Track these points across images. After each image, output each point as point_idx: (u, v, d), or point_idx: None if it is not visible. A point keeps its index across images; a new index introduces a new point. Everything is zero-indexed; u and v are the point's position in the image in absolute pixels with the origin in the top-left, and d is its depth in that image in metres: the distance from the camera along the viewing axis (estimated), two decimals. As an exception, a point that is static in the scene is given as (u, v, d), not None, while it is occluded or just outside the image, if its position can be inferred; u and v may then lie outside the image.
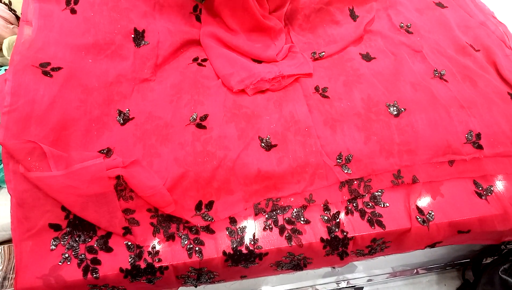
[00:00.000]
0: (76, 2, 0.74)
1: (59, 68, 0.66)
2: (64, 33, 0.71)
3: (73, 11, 0.73)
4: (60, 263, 0.59)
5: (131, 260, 0.60)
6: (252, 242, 0.63)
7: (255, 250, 0.62)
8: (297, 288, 0.99)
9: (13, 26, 0.93)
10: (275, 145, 0.69)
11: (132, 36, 0.78)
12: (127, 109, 0.72)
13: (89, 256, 0.60)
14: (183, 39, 0.84)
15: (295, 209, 0.66)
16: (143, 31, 0.79)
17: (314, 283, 0.98)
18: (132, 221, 0.62)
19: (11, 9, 0.94)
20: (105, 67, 0.73)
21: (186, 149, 0.66)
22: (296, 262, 0.67)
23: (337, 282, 0.99)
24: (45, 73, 0.64)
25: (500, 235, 0.71)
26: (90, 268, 0.59)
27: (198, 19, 0.88)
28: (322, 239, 0.63)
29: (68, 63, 0.68)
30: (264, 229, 0.64)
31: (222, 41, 0.84)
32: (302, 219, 0.65)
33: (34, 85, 0.62)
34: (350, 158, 0.68)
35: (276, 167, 0.66)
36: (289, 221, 0.65)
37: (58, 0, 0.74)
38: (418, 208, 0.66)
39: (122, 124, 0.70)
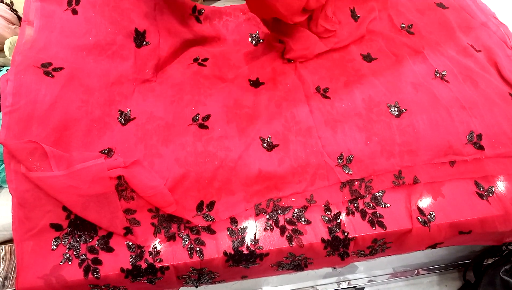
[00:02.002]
0: (77, 3, 0.74)
1: (60, 69, 0.66)
2: (66, 33, 0.71)
3: (74, 12, 0.74)
4: (61, 263, 0.59)
5: (132, 260, 0.60)
6: (253, 243, 0.63)
7: (256, 250, 0.62)
8: (298, 289, 0.99)
9: (14, 26, 0.93)
10: (277, 145, 0.69)
11: (133, 36, 0.78)
12: (128, 110, 0.72)
13: (90, 256, 0.60)
14: (183, 39, 0.84)
15: (296, 210, 0.66)
16: (144, 31, 0.79)
17: (315, 283, 0.98)
18: (133, 221, 0.62)
19: (12, 10, 0.94)
20: (106, 68, 0.73)
21: (187, 150, 0.66)
22: (297, 263, 0.67)
23: (338, 283, 0.99)
24: (47, 74, 0.65)
25: (502, 236, 0.71)
26: (91, 268, 0.59)
27: (198, 20, 0.88)
28: (323, 240, 0.63)
29: (69, 63, 0.68)
30: (265, 229, 0.64)
31: None
32: (303, 219, 0.65)
33: (35, 85, 0.62)
34: (351, 158, 0.68)
35: (277, 167, 0.66)
36: (290, 222, 0.65)
37: (60, 0, 0.74)
38: (419, 208, 0.66)
39: (124, 124, 0.71)
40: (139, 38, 0.79)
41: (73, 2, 0.74)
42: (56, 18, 0.72)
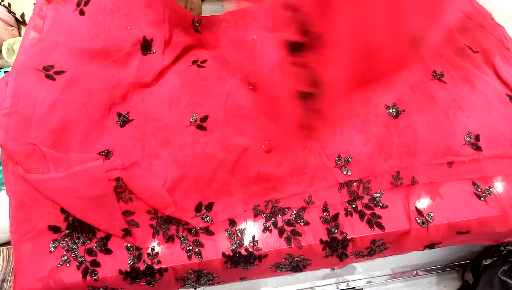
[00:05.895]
0: (86, 4, 0.75)
1: (62, 72, 0.66)
2: (73, 35, 0.71)
3: (82, 13, 0.74)
4: (59, 265, 0.59)
5: (130, 262, 0.60)
6: (252, 244, 0.63)
7: (255, 251, 0.62)
8: (296, 290, 0.99)
9: (12, 28, 0.93)
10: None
11: (141, 44, 0.78)
12: (126, 112, 0.72)
13: (89, 258, 0.60)
14: (185, 45, 0.85)
15: (294, 211, 0.66)
16: (151, 40, 0.80)
17: (314, 284, 0.98)
18: (131, 223, 0.62)
19: (10, 12, 0.94)
20: (109, 72, 0.73)
21: (186, 151, 0.66)
22: (295, 264, 0.67)
23: (337, 284, 0.99)
24: (48, 77, 0.65)
25: (499, 236, 0.71)
26: (90, 270, 0.59)
27: (196, 30, 0.89)
28: (321, 241, 0.63)
29: (72, 66, 0.68)
30: (264, 230, 0.64)
31: None
32: (301, 220, 0.65)
33: (35, 88, 0.62)
34: (349, 159, 0.68)
35: (275, 168, 0.66)
36: (289, 223, 0.65)
37: (71, 1, 0.74)
38: (417, 209, 0.66)
39: (122, 126, 0.70)
40: (146, 46, 0.79)
41: (82, 3, 0.75)
42: (65, 19, 0.72)
